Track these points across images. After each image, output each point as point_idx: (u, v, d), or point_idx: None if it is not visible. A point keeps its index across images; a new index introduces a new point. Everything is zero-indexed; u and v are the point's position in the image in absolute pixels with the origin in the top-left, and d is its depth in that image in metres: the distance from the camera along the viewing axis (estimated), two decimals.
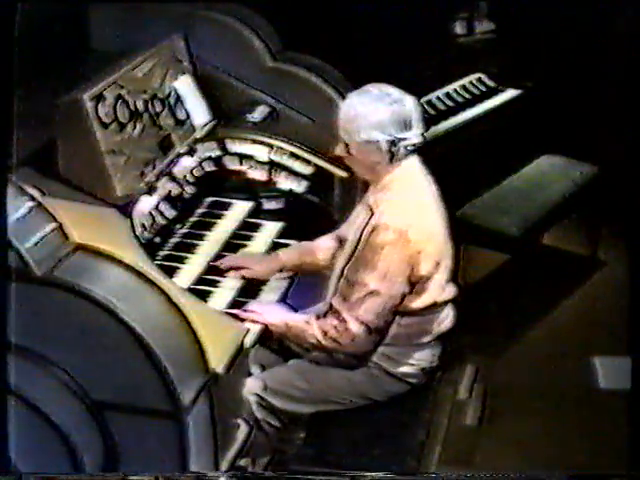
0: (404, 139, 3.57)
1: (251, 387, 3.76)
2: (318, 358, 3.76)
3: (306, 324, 3.66)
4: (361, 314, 3.58)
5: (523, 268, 5.02)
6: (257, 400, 3.73)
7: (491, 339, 4.51)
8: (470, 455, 3.93)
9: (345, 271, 3.65)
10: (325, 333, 3.61)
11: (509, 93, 5.56)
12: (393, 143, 3.57)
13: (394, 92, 3.60)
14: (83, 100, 3.86)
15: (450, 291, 3.72)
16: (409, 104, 3.59)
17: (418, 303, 3.65)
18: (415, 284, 3.60)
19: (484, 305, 4.21)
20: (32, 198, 3.57)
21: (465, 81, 5.53)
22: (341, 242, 3.83)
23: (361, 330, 3.59)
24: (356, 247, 3.63)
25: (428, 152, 3.72)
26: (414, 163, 3.64)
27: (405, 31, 5.18)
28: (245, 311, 3.74)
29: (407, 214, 3.57)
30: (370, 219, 3.61)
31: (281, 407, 3.75)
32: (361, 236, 3.62)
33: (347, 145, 3.63)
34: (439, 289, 3.67)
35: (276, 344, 3.88)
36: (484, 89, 5.57)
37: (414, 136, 3.58)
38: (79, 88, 3.90)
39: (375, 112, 3.56)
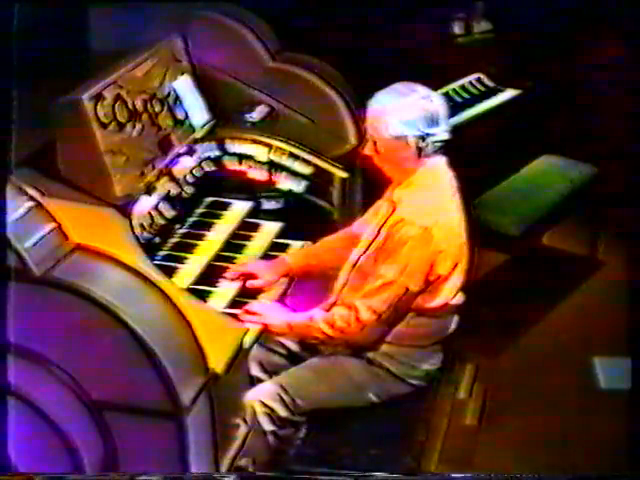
0: (432, 135, 3.58)
1: (263, 394, 3.74)
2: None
3: (310, 320, 3.65)
4: (374, 303, 3.57)
5: (523, 268, 5.02)
6: (266, 411, 3.71)
7: (491, 339, 4.50)
8: (470, 455, 3.93)
9: (359, 263, 3.66)
10: (332, 325, 3.61)
11: (508, 93, 5.56)
12: (422, 139, 3.57)
13: (421, 89, 3.61)
14: (82, 100, 3.86)
15: (461, 297, 3.72)
16: (436, 100, 3.61)
17: (432, 303, 3.64)
18: (431, 283, 3.59)
19: (484, 305, 4.20)
20: (31, 198, 3.57)
21: (464, 81, 5.54)
22: (352, 239, 3.82)
23: (372, 319, 3.58)
24: (373, 240, 3.63)
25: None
26: (440, 162, 3.64)
27: (404, 31, 5.18)
28: (246, 312, 3.73)
29: (431, 212, 3.57)
30: (392, 214, 3.62)
31: (305, 407, 3.73)
32: (380, 230, 3.62)
33: (375, 143, 3.63)
34: (453, 291, 3.66)
35: (277, 344, 3.88)
36: (483, 89, 5.57)
37: (441, 132, 3.59)
38: (78, 88, 3.90)
39: (404, 108, 3.58)
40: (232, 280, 3.93)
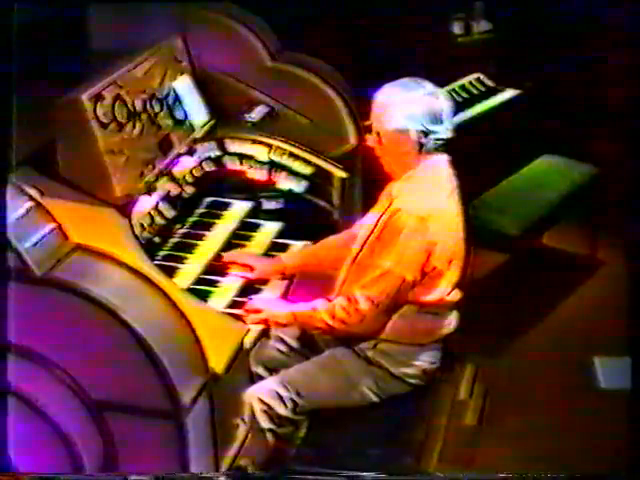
0: (434, 132, 3.58)
1: (261, 391, 3.74)
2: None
3: (313, 310, 3.66)
4: (373, 293, 3.57)
5: (523, 268, 5.03)
6: (264, 409, 3.71)
7: (491, 339, 4.51)
8: (470, 455, 3.93)
9: (358, 257, 3.66)
10: (333, 315, 3.61)
11: (508, 93, 5.57)
12: (424, 134, 3.58)
13: (428, 85, 3.62)
14: (82, 100, 3.86)
15: (456, 294, 3.72)
16: (442, 98, 3.61)
17: (428, 297, 3.64)
18: (427, 274, 3.59)
19: (484, 305, 4.21)
20: (31, 198, 3.56)
21: (464, 81, 5.55)
22: (354, 240, 3.82)
23: (371, 309, 3.59)
24: (371, 233, 3.64)
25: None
26: (440, 160, 3.64)
27: (404, 31, 5.19)
28: (248, 311, 3.73)
29: (428, 205, 3.58)
30: (389, 206, 3.62)
31: (304, 404, 3.73)
32: (378, 221, 3.63)
33: (379, 134, 3.64)
34: (448, 287, 3.66)
35: (278, 341, 3.89)
36: (483, 89, 5.58)
37: (444, 130, 3.59)
38: (78, 88, 3.90)
39: (408, 102, 3.58)
40: (224, 269, 3.94)
